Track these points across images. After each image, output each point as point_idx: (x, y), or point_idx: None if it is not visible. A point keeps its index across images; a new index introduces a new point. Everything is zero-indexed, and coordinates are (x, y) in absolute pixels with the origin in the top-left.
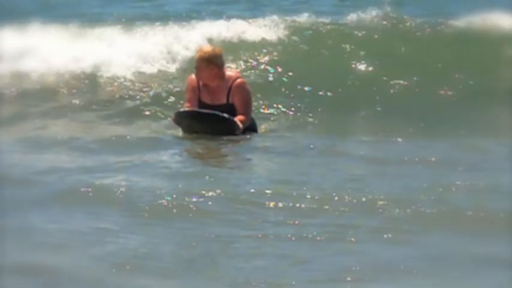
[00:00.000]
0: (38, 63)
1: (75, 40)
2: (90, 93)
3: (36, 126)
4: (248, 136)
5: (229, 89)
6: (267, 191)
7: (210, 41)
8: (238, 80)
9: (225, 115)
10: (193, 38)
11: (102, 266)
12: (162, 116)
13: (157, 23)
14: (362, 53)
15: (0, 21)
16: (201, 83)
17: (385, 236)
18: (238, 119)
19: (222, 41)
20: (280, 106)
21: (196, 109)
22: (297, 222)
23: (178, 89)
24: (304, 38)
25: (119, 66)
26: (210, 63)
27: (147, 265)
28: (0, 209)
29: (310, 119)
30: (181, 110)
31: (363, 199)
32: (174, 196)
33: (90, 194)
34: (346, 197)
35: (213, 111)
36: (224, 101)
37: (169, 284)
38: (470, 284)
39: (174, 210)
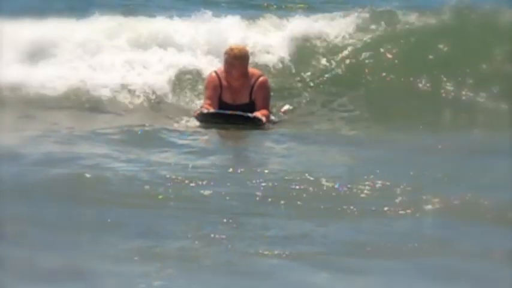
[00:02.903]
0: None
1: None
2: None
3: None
4: (267, 125)
5: (252, 86)
6: (280, 175)
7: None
8: (261, 78)
9: (249, 115)
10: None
11: (126, 250)
12: (185, 107)
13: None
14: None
15: None
16: (223, 82)
17: (384, 216)
18: (261, 113)
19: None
20: (301, 96)
21: (220, 111)
22: (304, 203)
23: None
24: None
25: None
26: (243, 61)
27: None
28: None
29: (332, 111)
30: (205, 111)
31: (365, 184)
32: (192, 180)
33: (103, 182)
34: (354, 181)
35: (237, 112)
36: (247, 99)
37: (189, 253)
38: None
39: (194, 191)
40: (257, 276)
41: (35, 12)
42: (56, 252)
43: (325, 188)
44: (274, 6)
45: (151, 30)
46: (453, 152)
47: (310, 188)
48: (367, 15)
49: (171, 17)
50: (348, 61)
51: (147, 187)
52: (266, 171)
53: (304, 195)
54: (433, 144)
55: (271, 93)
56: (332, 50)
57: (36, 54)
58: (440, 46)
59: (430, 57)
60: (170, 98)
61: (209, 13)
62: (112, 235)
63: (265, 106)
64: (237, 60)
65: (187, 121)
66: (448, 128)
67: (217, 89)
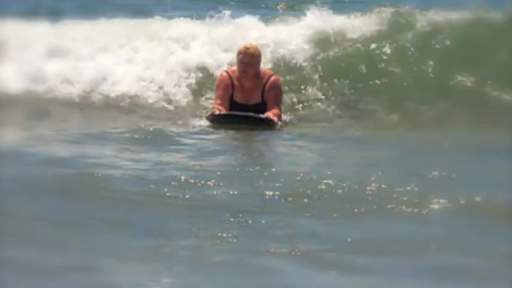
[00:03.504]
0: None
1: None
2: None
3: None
4: (278, 126)
5: (264, 86)
6: (289, 174)
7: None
8: (273, 77)
9: (261, 116)
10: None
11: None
12: (197, 107)
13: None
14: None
15: None
16: (235, 82)
17: (392, 215)
18: (272, 113)
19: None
20: (312, 97)
21: (232, 112)
22: (312, 202)
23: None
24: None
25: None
26: (259, 59)
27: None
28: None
29: (341, 110)
30: (217, 112)
31: (373, 184)
32: (201, 179)
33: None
34: (363, 180)
35: (249, 114)
36: (259, 99)
37: (198, 251)
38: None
39: (203, 190)
40: (266, 274)
41: (49, 12)
42: (66, 250)
43: (333, 187)
44: (286, 5)
45: (166, 30)
46: (464, 150)
47: (319, 187)
48: (384, 14)
49: (189, 16)
50: (364, 57)
51: (156, 186)
52: (274, 170)
53: (313, 194)
54: (444, 143)
55: (283, 93)
56: (348, 47)
57: (49, 54)
58: (459, 43)
59: (447, 54)
60: (182, 98)
61: (226, 13)
62: (121, 233)
63: (277, 105)
64: (254, 59)
65: (199, 121)
66: (463, 125)
67: (228, 89)
